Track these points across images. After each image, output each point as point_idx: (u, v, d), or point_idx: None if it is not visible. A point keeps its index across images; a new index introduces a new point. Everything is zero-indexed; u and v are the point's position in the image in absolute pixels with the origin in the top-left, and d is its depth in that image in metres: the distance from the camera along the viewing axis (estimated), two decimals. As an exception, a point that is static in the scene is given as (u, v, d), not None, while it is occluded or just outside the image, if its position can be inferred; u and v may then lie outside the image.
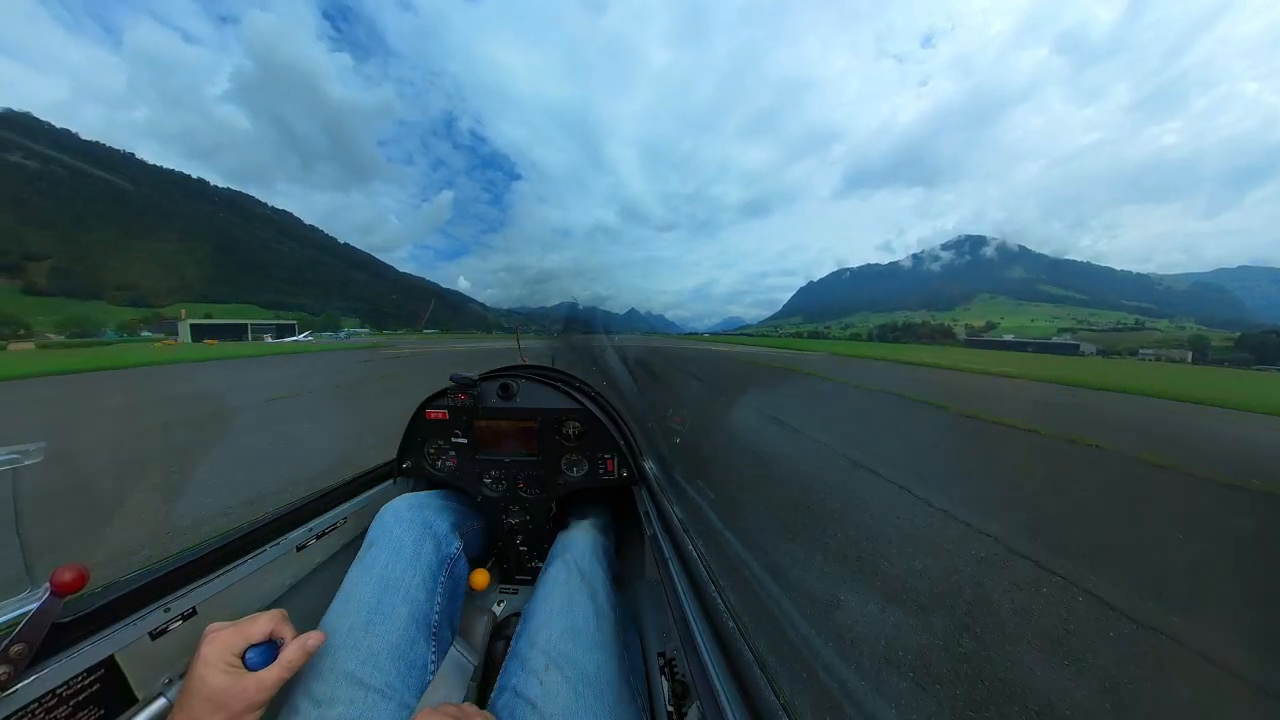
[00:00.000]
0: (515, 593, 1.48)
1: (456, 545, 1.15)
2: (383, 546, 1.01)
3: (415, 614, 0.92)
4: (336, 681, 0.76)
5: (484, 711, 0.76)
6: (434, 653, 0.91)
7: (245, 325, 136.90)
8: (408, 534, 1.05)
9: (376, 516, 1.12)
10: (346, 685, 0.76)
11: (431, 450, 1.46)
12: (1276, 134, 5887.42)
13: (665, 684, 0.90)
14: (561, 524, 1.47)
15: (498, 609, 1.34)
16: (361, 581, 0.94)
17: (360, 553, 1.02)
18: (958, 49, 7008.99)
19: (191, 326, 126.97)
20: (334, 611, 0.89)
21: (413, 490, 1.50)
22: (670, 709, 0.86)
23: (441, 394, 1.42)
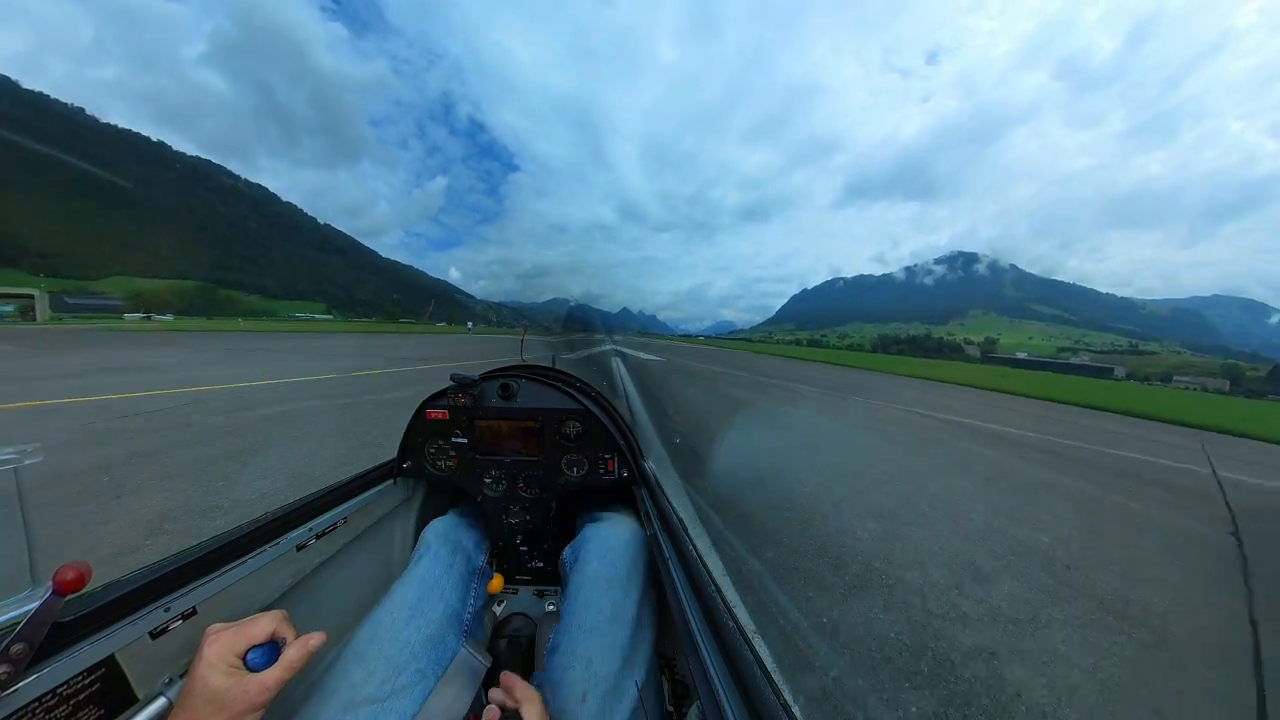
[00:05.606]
0: (515, 593, 1.47)
1: (483, 559, 1.32)
2: (426, 558, 1.18)
3: (449, 612, 1.05)
4: (374, 666, 0.86)
5: (531, 687, 0.85)
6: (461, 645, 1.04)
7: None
8: (444, 547, 1.22)
9: (422, 535, 1.26)
10: (384, 668, 0.86)
11: (431, 450, 1.45)
12: (1254, 171, 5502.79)
13: (665, 684, 0.90)
14: (563, 524, 1.50)
15: (498, 609, 1.34)
16: (408, 587, 1.07)
17: (410, 565, 1.16)
18: (961, 68, 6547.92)
19: None
20: (381, 609, 0.99)
21: (413, 490, 1.59)
22: (670, 709, 0.85)
23: (442, 394, 1.42)
